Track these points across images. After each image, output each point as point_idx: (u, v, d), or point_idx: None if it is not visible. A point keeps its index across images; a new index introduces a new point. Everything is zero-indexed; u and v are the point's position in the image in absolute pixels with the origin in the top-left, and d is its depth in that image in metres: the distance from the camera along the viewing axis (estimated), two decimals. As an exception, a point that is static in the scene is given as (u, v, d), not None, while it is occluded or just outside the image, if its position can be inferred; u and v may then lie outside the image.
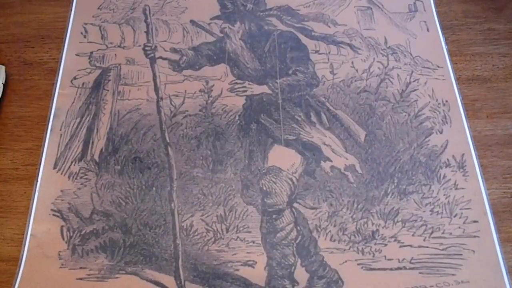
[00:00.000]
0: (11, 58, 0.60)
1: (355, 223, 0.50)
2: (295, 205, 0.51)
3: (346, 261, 0.48)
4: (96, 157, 0.53)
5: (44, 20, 0.63)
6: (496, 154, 0.55)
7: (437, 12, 0.64)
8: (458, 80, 0.59)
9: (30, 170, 0.53)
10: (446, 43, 0.62)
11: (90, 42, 0.61)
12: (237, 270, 0.47)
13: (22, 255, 0.47)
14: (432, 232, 0.49)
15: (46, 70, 0.59)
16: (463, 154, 0.54)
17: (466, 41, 0.63)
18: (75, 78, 0.58)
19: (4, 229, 0.50)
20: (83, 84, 0.58)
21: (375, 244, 0.48)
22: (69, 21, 0.62)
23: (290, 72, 0.59)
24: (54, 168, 0.52)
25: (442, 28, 0.63)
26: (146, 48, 0.60)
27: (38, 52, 0.61)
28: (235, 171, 0.53)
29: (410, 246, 0.49)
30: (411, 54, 0.61)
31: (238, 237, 0.49)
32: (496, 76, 0.60)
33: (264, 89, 0.58)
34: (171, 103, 0.56)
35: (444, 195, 0.51)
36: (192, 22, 0.63)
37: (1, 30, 0.62)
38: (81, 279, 0.46)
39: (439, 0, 0.66)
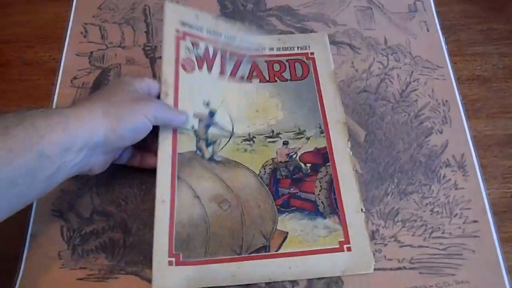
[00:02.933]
0: (11, 58, 0.60)
1: (355, 223, 0.50)
2: (296, 205, 0.52)
3: (346, 261, 0.49)
4: (96, 157, 0.53)
5: (44, 20, 0.63)
6: (496, 154, 0.55)
7: (437, 12, 0.65)
8: (458, 80, 0.59)
9: (30, 170, 0.53)
10: (446, 43, 0.62)
11: (90, 42, 0.61)
12: (238, 270, 0.48)
13: (23, 255, 0.47)
14: (432, 232, 0.49)
15: (46, 70, 0.59)
16: (463, 154, 0.54)
17: (466, 41, 0.63)
18: (75, 78, 0.58)
19: (4, 229, 0.49)
20: (83, 84, 0.58)
21: (375, 244, 0.48)
22: (69, 21, 0.62)
23: (290, 72, 0.59)
24: (54, 168, 0.52)
25: (442, 28, 0.63)
26: (146, 48, 0.60)
27: (38, 52, 0.61)
28: (236, 171, 0.53)
29: (410, 246, 0.49)
30: (411, 54, 0.61)
31: (238, 237, 0.49)
32: (496, 76, 0.60)
33: (264, 89, 0.58)
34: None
35: (444, 195, 0.51)
36: (192, 22, 0.63)
37: (1, 30, 0.62)
38: (81, 279, 0.46)
39: (439, 0, 0.66)
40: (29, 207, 0.50)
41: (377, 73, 0.59)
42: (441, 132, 0.55)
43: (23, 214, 0.50)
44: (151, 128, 0.45)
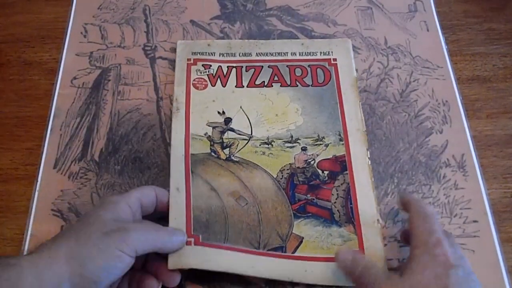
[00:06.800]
0: (11, 58, 0.60)
1: (355, 223, 0.50)
2: (296, 205, 0.52)
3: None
4: (96, 157, 0.53)
5: (44, 20, 0.63)
6: (496, 154, 0.55)
7: (437, 12, 0.64)
8: (458, 80, 0.59)
9: (30, 170, 0.52)
10: (446, 43, 0.62)
11: (90, 42, 0.61)
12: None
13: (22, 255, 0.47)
14: (432, 232, 0.49)
15: (46, 70, 0.59)
16: (463, 154, 0.54)
17: (466, 41, 0.63)
18: (75, 78, 0.58)
19: (4, 229, 0.50)
20: (83, 84, 0.58)
21: (375, 244, 0.48)
22: (69, 21, 0.62)
23: (290, 72, 0.59)
24: (54, 168, 0.52)
25: (442, 28, 0.63)
26: (146, 48, 0.60)
27: (38, 52, 0.61)
28: (235, 171, 0.53)
29: (410, 246, 0.49)
30: (411, 54, 0.61)
31: (238, 237, 0.49)
32: (496, 76, 0.60)
33: (264, 89, 0.58)
34: (171, 103, 0.56)
35: (444, 195, 0.51)
36: (192, 22, 0.63)
37: (1, 30, 0.62)
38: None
39: (439, 0, 0.66)
40: (29, 207, 0.50)
41: (377, 73, 0.59)
42: (441, 132, 0.55)
43: (23, 214, 0.50)
44: (132, 262, 0.38)
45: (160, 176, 0.52)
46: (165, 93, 0.57)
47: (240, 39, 0.61)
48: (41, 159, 0.53)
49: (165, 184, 0.50)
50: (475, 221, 0.50)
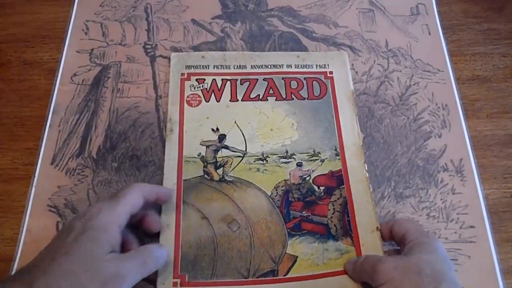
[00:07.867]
0: (11, 58, 0.60)
1: (351, 226, 0.50)
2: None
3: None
4: (93, 153, 0.53)
5: (44, 20, 0.63)
6: (496, 154, 0.55)
7: (439, 14, 0.64)
8: (458, 80, 0.59)
9: (30, 170, 0.52)
10: (446, 43, 0.61)
11: (91, 39, 0.61)
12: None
13: (18, 249, 0.47)
14: (428, 237, 0.49)
15: (46, 70, 0.59)
16: (461, 159, 0.54)
17: (466, 41, 0.62)
18: (75, 74, 0.58)
19: (3, 229, 0.49)
20: (83, 80, 0.58)
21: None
22: (70, 17, 0.62)
23: (290, 73, 0.59)
24: (52, 164, 0.52)
25: (442, 28, 0.63)
26: (147, 46, 0.60)
27: (38, 52, 0.61)
28: (232, 171, 0.53)
29: (406, 250, 0.48)
30: (411, 57, 0.60)
31: (233, 237, 0.49)
32: (496, 76, 0.60)
33: (263, 89, 0.58)
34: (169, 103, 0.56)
35: (441, 199, 0.51)
36: (193, 21, 0.63)
37: (1, 30, 0.62)
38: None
39: (439, 0, 0.65)
40: (25, 202, 0.50)
41: (377, 76, 0.59)
42: (440, 136, 0.55)
43: (22, 214, 0.50)
44: None
45: (157, 174, 0.52)
46: (164, 92, 0.57)
47: (240, 39, 0.61)
48: (39, 155, 0.53)
49: (161, 182, 0.50)
50: (471, 227, 0.50)
